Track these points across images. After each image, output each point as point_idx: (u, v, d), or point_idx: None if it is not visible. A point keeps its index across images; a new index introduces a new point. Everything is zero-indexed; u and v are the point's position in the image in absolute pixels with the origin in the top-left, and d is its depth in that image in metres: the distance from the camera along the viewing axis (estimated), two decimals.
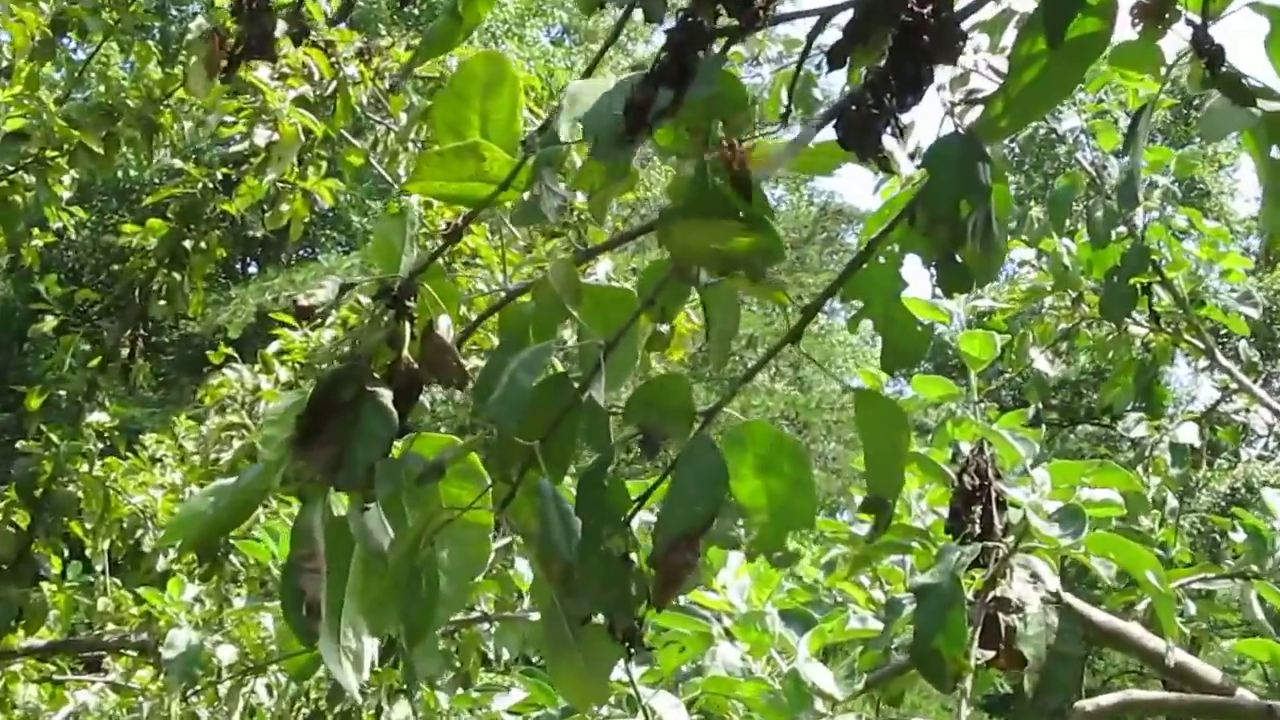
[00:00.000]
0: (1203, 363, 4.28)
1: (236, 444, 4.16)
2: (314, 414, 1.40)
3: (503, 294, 1.61)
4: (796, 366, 16.13)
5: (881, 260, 1.43)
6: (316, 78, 3.71)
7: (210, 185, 4.24)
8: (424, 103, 3.75)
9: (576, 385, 1.42)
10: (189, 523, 1.63)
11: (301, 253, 16.95)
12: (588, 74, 1.52)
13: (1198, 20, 1.30)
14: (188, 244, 4.19)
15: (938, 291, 1.36)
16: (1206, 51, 1.25)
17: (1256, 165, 1.41)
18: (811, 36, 1.33)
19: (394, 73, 3.64)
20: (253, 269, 17.71)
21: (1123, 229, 3.83)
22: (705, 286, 1.43)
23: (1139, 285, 3.90)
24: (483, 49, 1.36)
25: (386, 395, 1.45)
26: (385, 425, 1.43)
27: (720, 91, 1.26)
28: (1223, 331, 4.35)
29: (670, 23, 1.16)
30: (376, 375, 1.46)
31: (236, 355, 4.63)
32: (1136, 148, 1.38)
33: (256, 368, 4.43)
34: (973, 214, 1.30)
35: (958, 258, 1.32)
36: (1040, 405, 4.79)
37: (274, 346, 4.53)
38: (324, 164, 4.10)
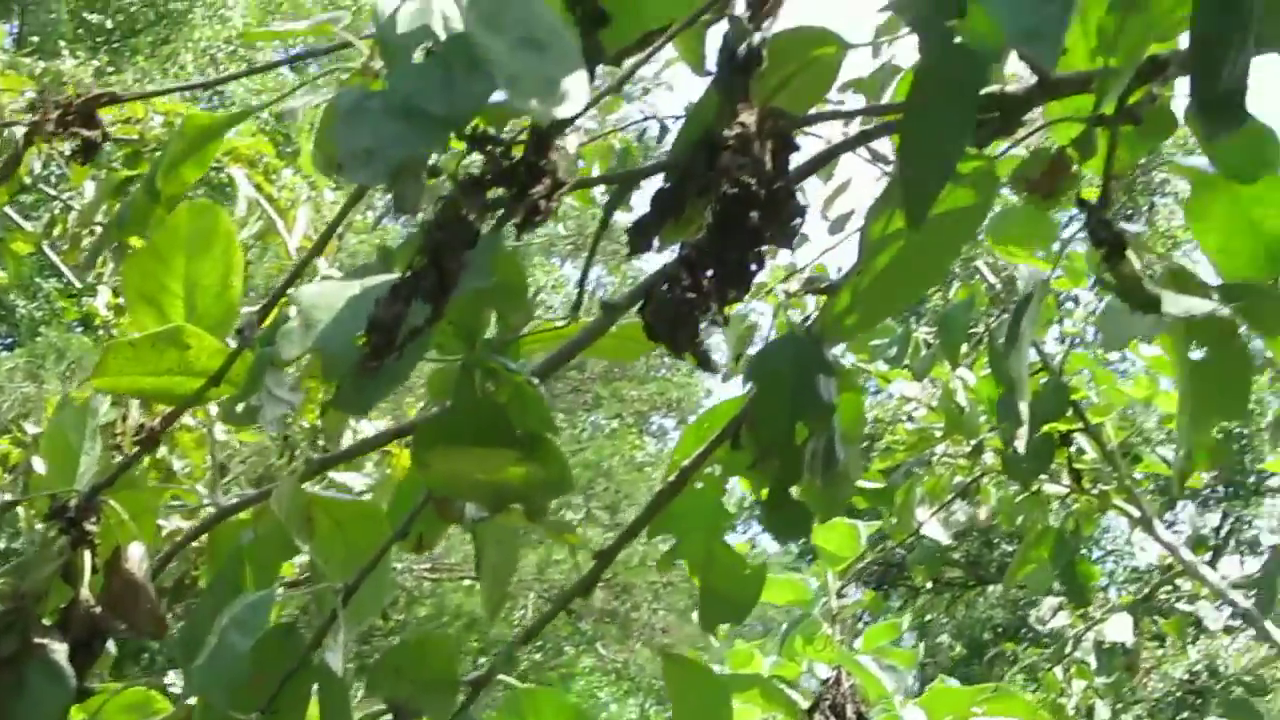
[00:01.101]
0: (1138, 534, 4.59)
1: None
2: None
3: (211, 511, 1.70)
4: (614, 509, 16.36)
5: (700, 486, 1.59)
6: None
7: None
8: (116, 174, 3.79)
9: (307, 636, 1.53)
10: None
11: None
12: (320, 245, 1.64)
13: (1099, 188, 1.50)
14: None
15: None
16: (1102, 241, 1.45)
17: (1173, 371, 1.62)
18: (609, 209, 1.48)
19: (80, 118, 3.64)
20: None
21: (1035, 358, 4.13)
22: (474, 522, 1.56)
23: (1056, 433, 4.19)
24: (190, 199, 1.45)
25: (60, 649, 1.52)
26: (58, 689, 1.50)
27: (495, 282, 1.40)
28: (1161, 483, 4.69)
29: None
30: (46, 622, 1.53)
31: None
32: (1020, 351, 1.56)
33: None
34: (811, 440, 1.47)
35: (793, 493, 1.49)
36: (931, 582, 5.04)
37: None
38: None
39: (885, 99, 3.30)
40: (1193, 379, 1.57)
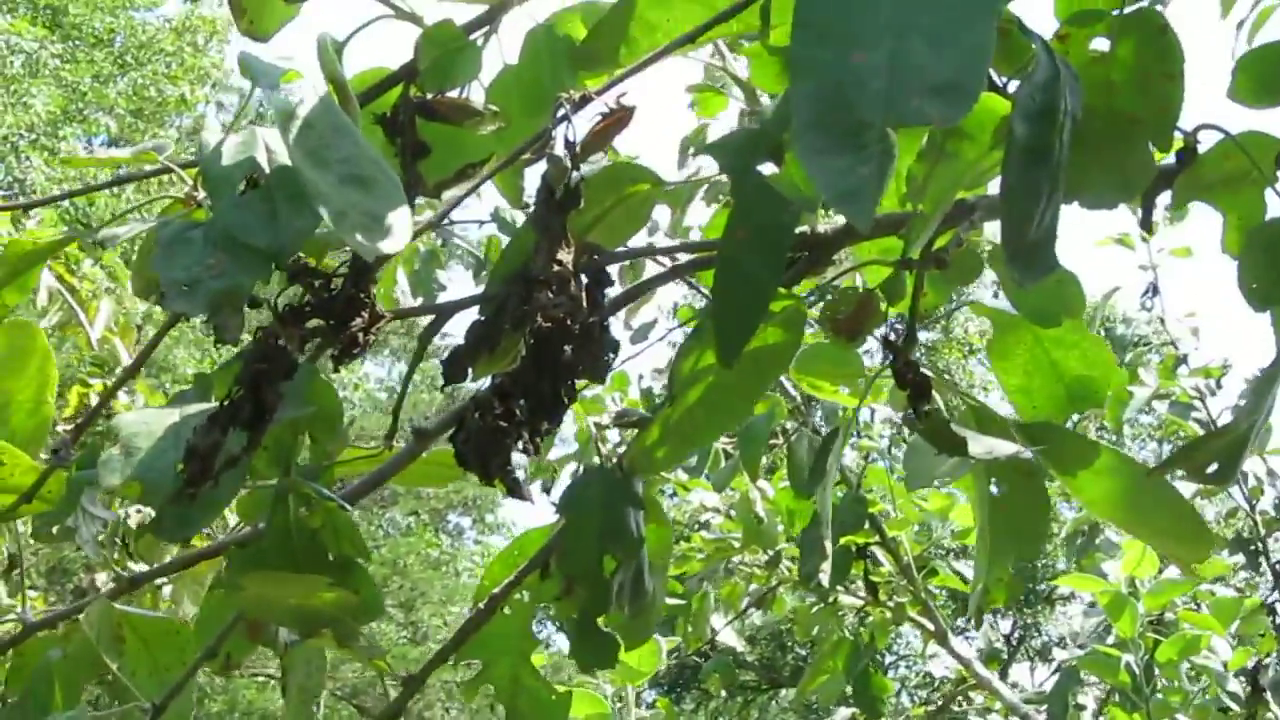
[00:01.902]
0: (932, 647, 4.69)
1: None
2: None
3: (21, 629, 1.69)
4: (409, 607, 16.24)
5: (509, 612, 1.62)
6: None
7: None
8: None
9: None
10: None
11: None
12: None
13: (901, 337, 1.57)
14: None
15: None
16: (908, 382, 1.51)
17: (971, 506, 1.69)
18: (424, 339, 1.52)
19: None
20: None
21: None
22: (285, 646, 1.57)
23: (853, 546, 4.28)
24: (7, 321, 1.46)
25: None
26: None
27: (310, 410, 1.43)
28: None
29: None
30: None
31: None
32: (825, 487, 1.62)
33: None
34: (619, 571, 1.51)
35: (600, 623, 1.52)
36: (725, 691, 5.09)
37: None
38: None
39: (691, 212, 3.41)
40: (992, 517, 1.64)
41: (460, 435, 1.54)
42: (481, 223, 4.43)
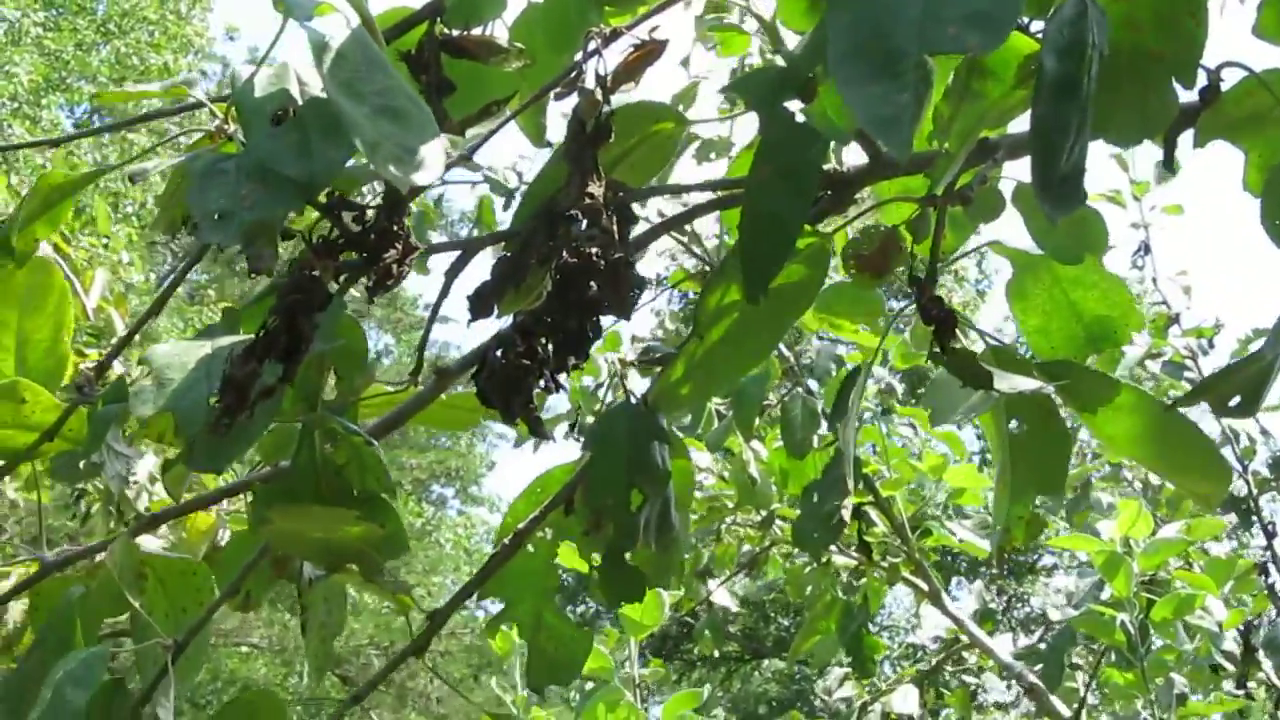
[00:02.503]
0: (925, 607, 4.71)
1: None
2: None
3: (39, 566, 1.70)
4: (392, 575, 16.25)
5: (531, 550, 1.63)
6: None
7: None
8: None
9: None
10: None
11: None
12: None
13: (923, 273, 1.58)
14: None
15: None
16: (934, 318, 1.52)
17: (990, 442, 1.70)
18: (450, 275, 1.52)
19: None
20: None
21: (826, 432, 4.22)
22: (310, 581, 1.58)
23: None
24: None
25: None
26: None
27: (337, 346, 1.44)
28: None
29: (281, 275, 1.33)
30: None
31: None
32: (848, 425, 1.63)
33: None
34: (646, 505, 1.52)
35: (627, 558, 1.53)
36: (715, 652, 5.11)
37: None
38: None
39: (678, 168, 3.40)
40: (1013, 454, 1.65)
41: (483, 374, 1.54)
42: (474, 184, 4.42)
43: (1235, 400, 1.40)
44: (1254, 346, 4.11)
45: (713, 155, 3.68)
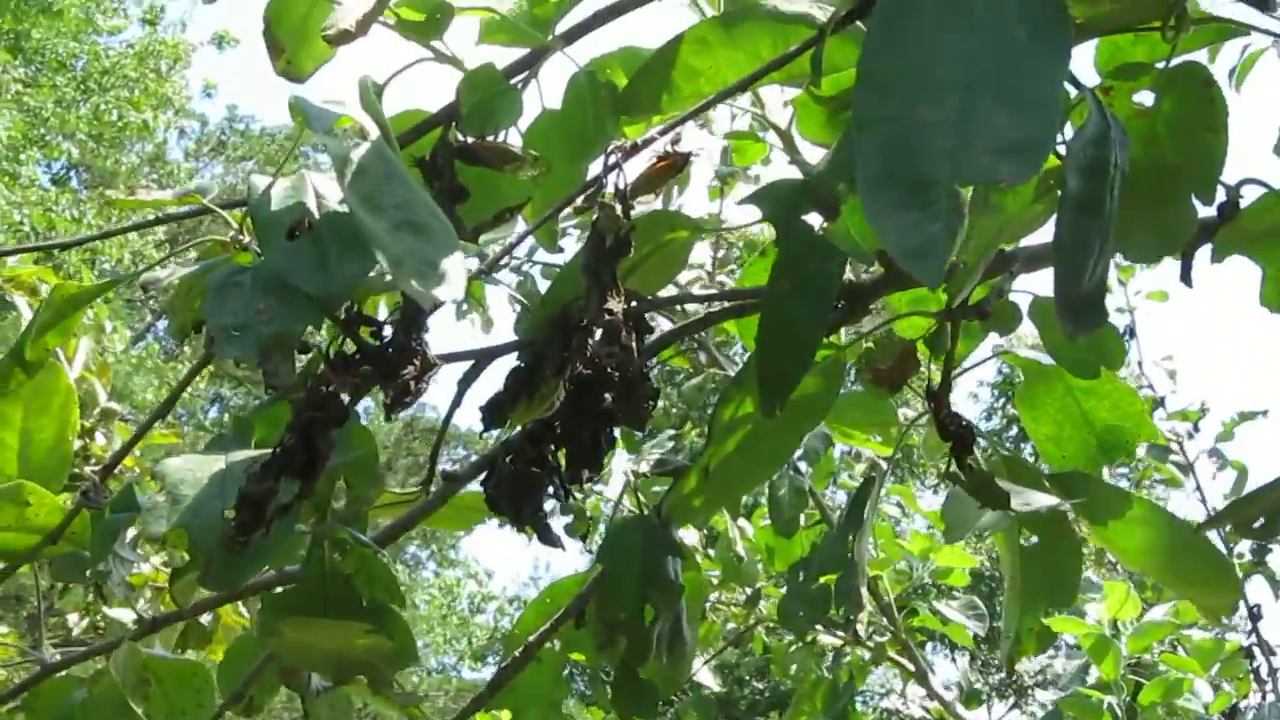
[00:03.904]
0: (913, 687, 4.69)
1: None
2: None
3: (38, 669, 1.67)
4: None
5: (540, 661, 1.61)
6: None
7: None
8: None
9: None
10: None
11: None
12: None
13: (942, 387, 1.57)
14: None
15: None
16: (951, 434, 1.51)
17: (1001, 555, 1.69)
18: (463, 385, 1.51)
19: None
20: None
21: (813, 508, 4.21)
22: (316, 692, 1.55)
23: (832, 585, 4.28)
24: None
25: None
26: None
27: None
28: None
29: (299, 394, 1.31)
30: None
31: None
32: (862, 537, 1.62)
33: None
34: (659, 620, 1.50)
35: (639, 673, 1.52)
36: None
37: None
38: None
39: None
40: (1024, 565, 1.64)
41: (491, 480, 1.53)
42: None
43: (1259, 523, 1.40)
44: (1239, 430, 4.08)
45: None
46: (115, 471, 1.72)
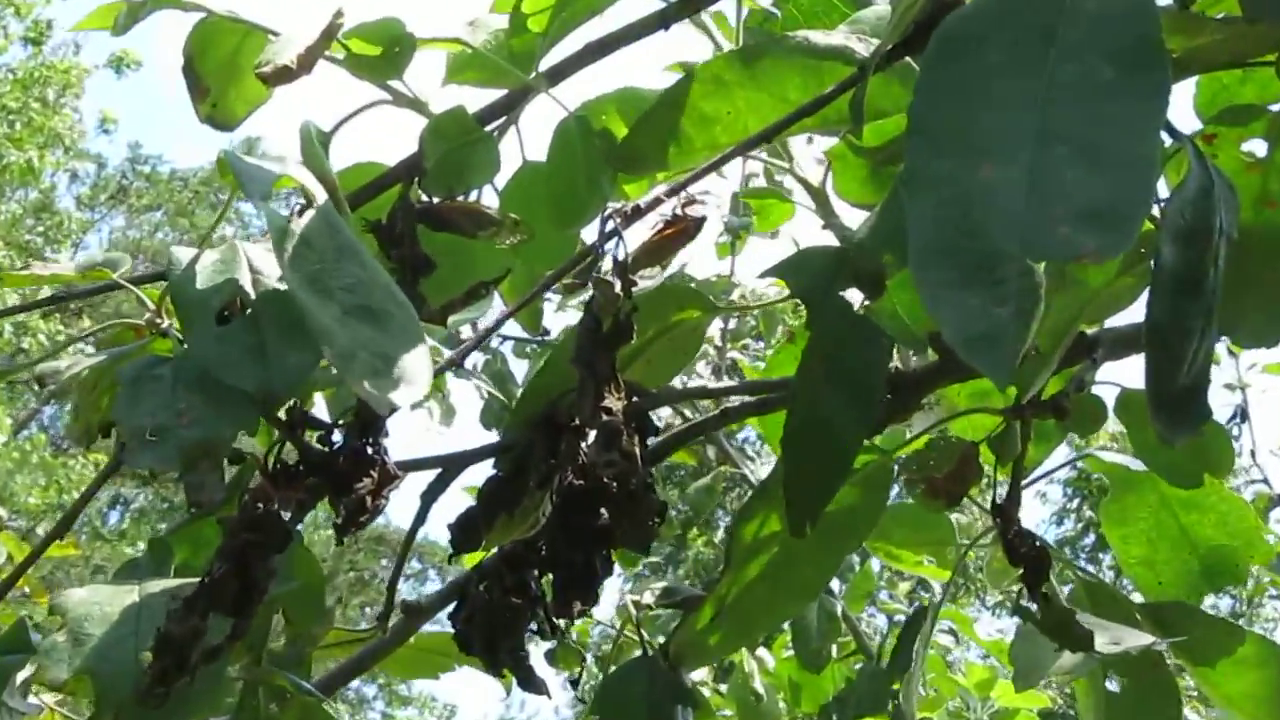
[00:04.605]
0: None
1: None
2: None
3: None
4: None
5: None
6: None
7: None
8: None
9: None
10: None
11: None
12: None
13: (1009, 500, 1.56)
14: None
15: None
16: (1022, 557, 1.50)
17: (1081, 701, 1.69)
18: (428, 499, 1.51)
19: None
20: None
21: (847, 636, 4.20)
22: None
23: None
24: None
25: None
26: None
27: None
28: None
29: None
30: None
31: None
32: (912, 680, 1.61)
33: None
34: None
35: None
36: None
37: None
38: None
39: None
40: (1109, 713, 1.64)
41: (462, 613, 1.53)
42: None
43: None
44: None
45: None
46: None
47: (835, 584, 4.29)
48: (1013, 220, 1.10)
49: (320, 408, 1.56)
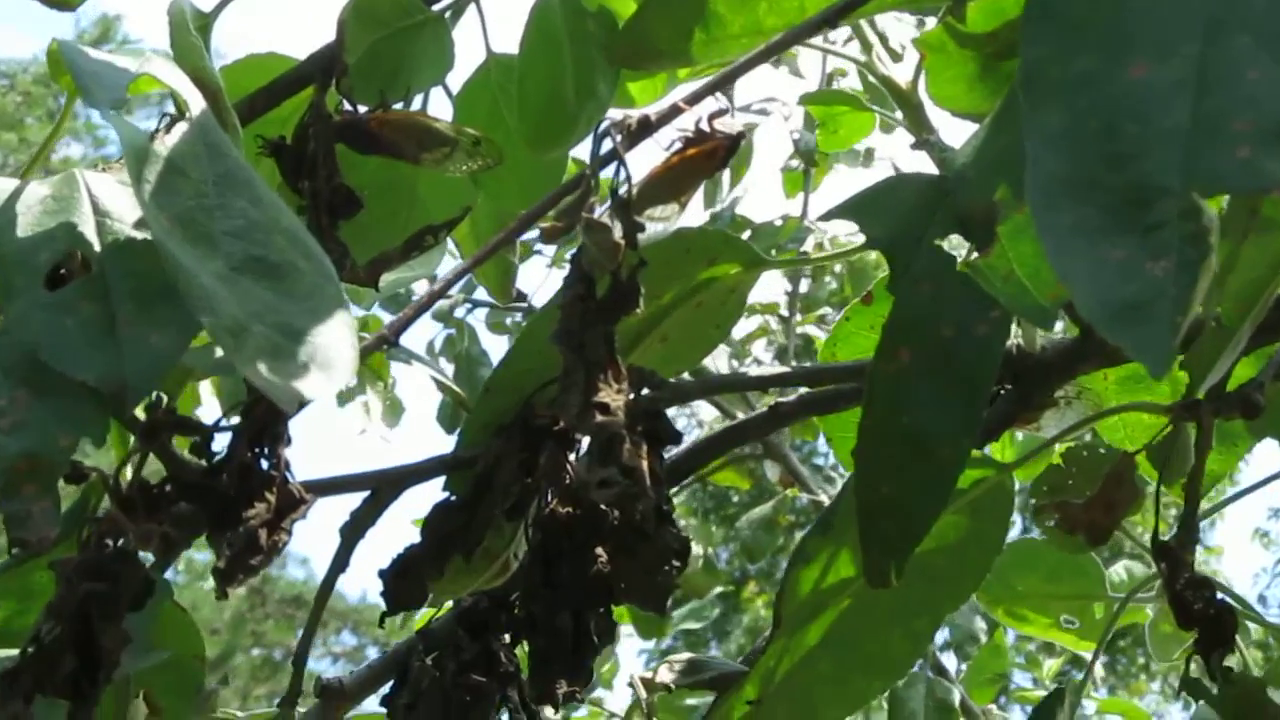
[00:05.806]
0: None
1: None
2: None
3: None
4: None
5: None
6: None
7: None
8: None
9: None
10: None
11: None
12: None
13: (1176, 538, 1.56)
14: None
15: None
16: (1195, 618, 1.47)
17: None
18: (351, 534, 1.51)
19: None
20: None
21: None
22: None
23: None
24: None
25: None
26: None
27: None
28: None
29: None
30: None
31: None
32: None
33: None
34: None
35: None
36: None
37: None
38: None
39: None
40: None
41: (400, 698, 1.54)
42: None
43: None
44: None
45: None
46: None
47: (950, 660, 4.31)
48: (1174, 138, 1.08)
49: (209, 405, 1.57)
